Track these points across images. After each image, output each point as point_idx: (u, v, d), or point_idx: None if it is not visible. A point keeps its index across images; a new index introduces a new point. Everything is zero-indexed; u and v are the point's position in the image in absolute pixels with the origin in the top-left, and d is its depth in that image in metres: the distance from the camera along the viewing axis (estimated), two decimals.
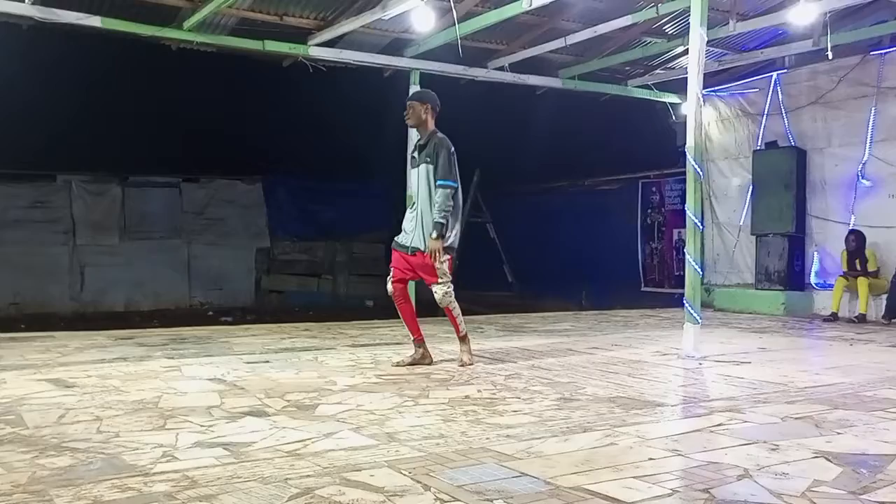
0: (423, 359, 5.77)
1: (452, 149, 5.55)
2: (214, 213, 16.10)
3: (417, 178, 5.62)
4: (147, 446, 3.32)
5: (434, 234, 5.41)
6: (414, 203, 5.67)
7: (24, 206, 14.44)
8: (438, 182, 5.46)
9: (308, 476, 2.90)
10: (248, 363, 5.73)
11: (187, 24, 8.47)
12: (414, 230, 5.57)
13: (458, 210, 5.59)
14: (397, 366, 5.66)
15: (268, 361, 5.83)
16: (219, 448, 3.31)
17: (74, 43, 10.27)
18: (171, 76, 13.17)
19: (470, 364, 5.69)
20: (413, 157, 5.77)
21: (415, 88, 10.02)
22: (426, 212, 5.51)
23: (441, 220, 5.40)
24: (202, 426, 3.71)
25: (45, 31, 8.46)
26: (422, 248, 5.50)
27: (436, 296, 5.59)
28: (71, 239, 14.78)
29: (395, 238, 5.73)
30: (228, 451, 3.25)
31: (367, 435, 3.55)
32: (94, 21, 8.16)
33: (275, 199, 16.70)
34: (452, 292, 5.59)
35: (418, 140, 5.74)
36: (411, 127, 5.84)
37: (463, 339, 5.81)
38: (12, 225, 14.21)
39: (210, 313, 14.68)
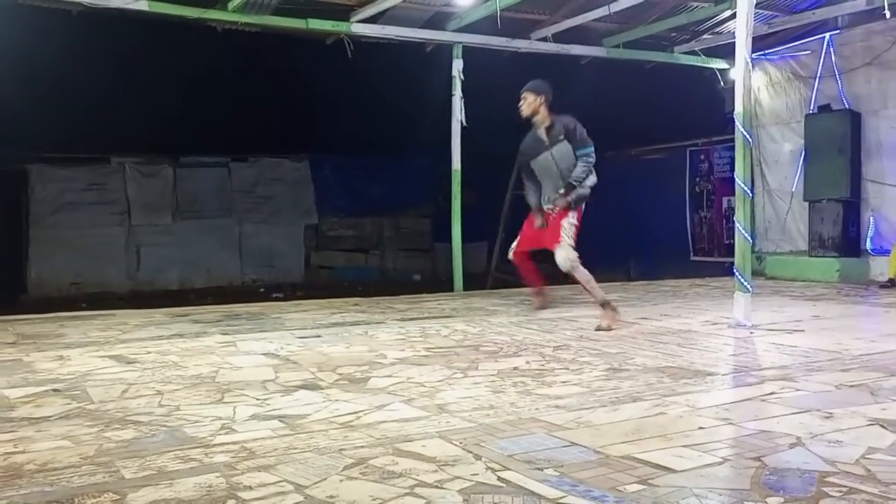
0: (542, 306, 6.67)
1: (573, 118, 6.15)
2: (263, 191, 16.33)
3: (554, 159, 6.13)
4: (206, 419, 3.43)
5: (563, 191, 6.00)
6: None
7: (80, 188, 14.84)
8: (578, 151, 6.04)
9: (362, 447, 2.97)
10: (300, 338, 5.84)
11: (232, 4, 8.58)
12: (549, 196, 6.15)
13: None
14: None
15: (319, 336, 5.94)
16: (275, 420, 3.40)
17: (123, 27, 10.46)
18: (217, 58, 13.32)
19: (606, 329, 5.83)
20: (540, 144, 6.22)
21: (458, 63, 10.01)
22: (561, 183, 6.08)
23: (573, 183, 6.02)
24: (258, 399, 3.81)
25: (94, 15, 8.64)
26: (552, 208, 6.07)
27: (557, 259, 5.99)
28: (126, 220, 15.16)
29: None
30: (284, 423, 3.34)
31: (418, 407, 3.61)
32: (142, 5, 8.32)
33: (321, 177, 16.86)
34: (576, 262, 5.97)
35: (536, 130, 6.24)
36: (526, 116, 6.24)
37: (603, 305, 6.03)
38: (70, 207, 14.63)
39: (262, 290, 14.96)
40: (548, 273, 6.41)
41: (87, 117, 13.68)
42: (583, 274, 6.01)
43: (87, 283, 14.50)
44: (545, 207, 6.20)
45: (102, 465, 2.80)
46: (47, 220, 14.46)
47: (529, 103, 6.19)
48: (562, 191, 6.02)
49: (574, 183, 6.01)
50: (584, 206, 6.14)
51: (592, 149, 6.09)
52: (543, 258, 6.44)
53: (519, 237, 6.48)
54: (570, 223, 6.02)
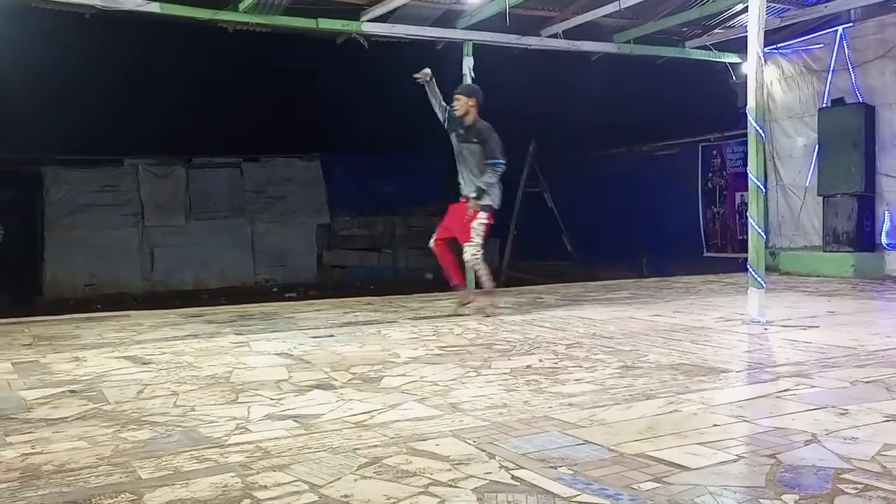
0: (466, 300, 7.08)
1: (493, 133, 6.76)
2: (275, 191, 16.39)
3: (467, 152, 6.80)
4: (221, 419, 3.45)
5: (474, 195, 6.67)
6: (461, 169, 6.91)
7: (94, 190, 14.95)
8: (488, 160, 6.68)
9: (376, 446, 2.99)
10: (314, 338, 5.86)
11: (242, 5, 8.60)
12: (465, 185, 6.85)
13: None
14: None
15: (332, 336, 5.96)
16: (289, 420, 3.42)
17: (135, 29, 10.51)
18: (229, 59, 13.38)
19: (490, 315, 6.65)
20: (459, 133, 6.87)
21: (468, 60, 9.99)
22: (473, 178, 6.75)
23: (483, 188, 6.67)
24: (272, 399, 3.83)
25: (106, 18, 8.68)
26: (468, 198, 6.73)
27: (465, 256, 6.77)
28: (140, 221, 15.26)
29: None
30: (298, 423, 3.36)
31: (432, 405, 3.62)
32: (154, 7, 8.35)
33: (333, 176, 16.89)
34: (480, 257, 6.73)
35: (463, 122, 6.84)
36: (458, 115, 6.87)
37: (487, 293, 6.85)
38: (84, 209, 14.73)
39: (275, 290, 15.02)
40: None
41: (99, 119, 13.76)
42: (484, 270, 6.81)
43: (102, 285, 14.61)
44: (462, 194, 6.85)
45: (119, 465, 2.83)
46: (62, 222, 14.57)
47: (462, 104, 6.82)
48: (473, 194, 6.66)
49: (483, 188, 6.65)
50: (495, 203, 6.82)
51: (503, 161, 6.72)
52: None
53: (437, 229, 7.05)
54: (480, 223, 6.68)
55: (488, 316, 6.66)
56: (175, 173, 15.57)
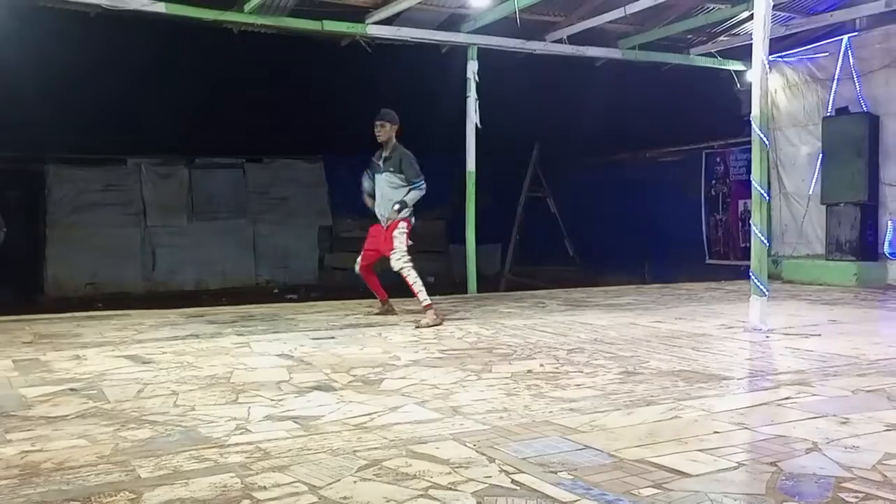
0: (388, 312, 7.33)
1: (412, 155, 6.92)
2: (278, 192, 16.35)
3: (385, 182, 6.91)
4: (221, 419, 3.45)
5: (397, 208, 6.78)
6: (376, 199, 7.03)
7: (97, 189, 14.92)
8: (412, 183, 6.83)
9: (375, 448, 2.98)
10: (314, 339, 5.86)
11: (248, 6, 8.62)
12: (381, 210, 6.95)
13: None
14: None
15: (333, 338, 5.96)
16: (289, 421, 3.42)
17: (140, 29, 10.52)
18: (233, 59, 13.38)
19: (427, 326, 6.50)
20: (378, 165, 7.00)
21: (472, 64, 10.02)
22: (389, 201, 6.86)
23: (408, 203, 6.82)
24: (272, 400, 3.83)
25: (111, 17, 8.69)
26: (383, 222, 6.92)
27: (392, 264, 6.82)
28: (142, 221, 15.23)
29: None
30: (298, 424, 3.36)
31: (432, 409, 3.62)
32: (159, 7, 8.37)
33: (336, 178, 16.86)
34: (407, 264, 6.77)
35: (382, 152, 6.98)
36: (381, 142, 6.97)
37: (426, 308, 6.71)
38: (87, 208, 14.71)
39: (276, 291, 14.99)
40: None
41: (103, 118, 13.76)
42: (412, 277, 6.79)
43: (104, 284, 14.58)
44: (379, 217, 7.00)
45: (119, 464, 2.83)
46: (64, 221, 14.55)
47: (386, 131, 6.91)
48: (396, 206, 6.79)
49: (407, 203, 6.82)
50: (412, 219, 6.95)
51: (423, 181, 6.89)
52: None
53: (361, 253, 7.21)
54: (400, 232, 6.81)
55: (432, 325, 6.53)
56: (178, 173, 15.55)
